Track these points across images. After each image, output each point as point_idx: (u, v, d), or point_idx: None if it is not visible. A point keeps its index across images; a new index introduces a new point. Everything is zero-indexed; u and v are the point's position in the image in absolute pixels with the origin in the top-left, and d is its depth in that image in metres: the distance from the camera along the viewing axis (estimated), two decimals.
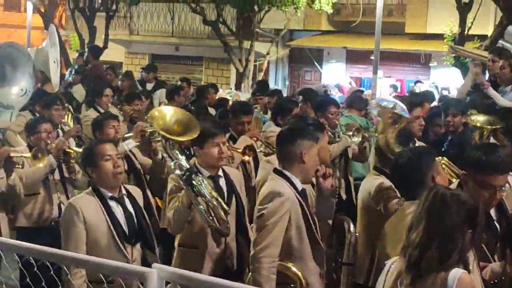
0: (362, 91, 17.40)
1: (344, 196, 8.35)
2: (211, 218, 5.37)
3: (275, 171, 5.11)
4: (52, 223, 7.16)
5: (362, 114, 9.74)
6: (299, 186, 5.04)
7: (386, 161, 5.81)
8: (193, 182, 5.33)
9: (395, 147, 5.74)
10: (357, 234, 5.32)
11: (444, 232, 3.37)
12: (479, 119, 6.79)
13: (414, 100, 8.12)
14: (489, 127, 6.64)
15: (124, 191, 5.41)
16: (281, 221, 4.84)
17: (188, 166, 5.46)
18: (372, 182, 5.76)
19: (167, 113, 5.91)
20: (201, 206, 5.34)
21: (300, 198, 4.98)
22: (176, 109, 6.12)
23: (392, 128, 5.93)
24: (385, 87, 22.59)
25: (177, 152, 5.64)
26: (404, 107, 6.51)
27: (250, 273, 4.95)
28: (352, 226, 5.32)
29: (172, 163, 5.54)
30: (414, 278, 3.39)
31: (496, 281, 4.32)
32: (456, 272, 3.33)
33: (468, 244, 3.43)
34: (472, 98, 8.07)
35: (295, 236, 4.93)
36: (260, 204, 4.92)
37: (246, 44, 23.59)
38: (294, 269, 4.91)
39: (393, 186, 5.43)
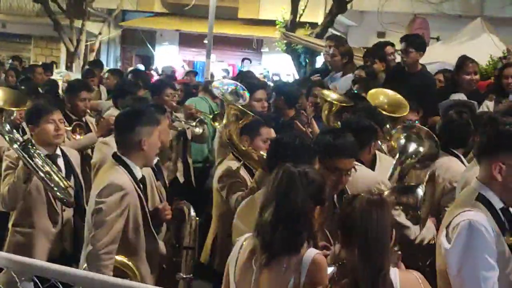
0: (196, 73, 17.47)
1: (181, 179, 8.35)
2: (55, 188, 5.29)
3: (114, 156, 4.94)
4: None
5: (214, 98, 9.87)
6: (139, 174, 4.89)
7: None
8: (31, 153, 5.17)
9: (239, 141, 5.68)
10: (197, 218, 5.27)
11: (293, 210, 3.42)
12: (332, 95, 6.86)
13: (256, 83, 8.21)
14: (338, 103, 6.71)
15: None
16: (121, 217, 4.67)
17: (22, 139, 5.31)
18: (224, 165, 5.79)
19: None
20: (42, 174, 5.22)
21: (138, 189, 4.83)
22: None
23: (235, 124, 5.85)
24: (217, 71, 22.72)
25: (8, 127, 5.46)
26: (244, 88, 6.53)
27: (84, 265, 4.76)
28: (192, 210, 5.26)
29: (7, 138, 5.35)
30: (269, 258, 3.42)
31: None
32: (310, 253, 3.39)
33: (316, 220, 3.50)
34: (308, 85, 8.22)
35: (132, 229, 4.79)
36: (98, 197, 4.69)
37: (77, 23, 22.97)
38: (129, 263, 4.79)
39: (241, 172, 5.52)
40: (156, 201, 5.28)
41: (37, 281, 2.95)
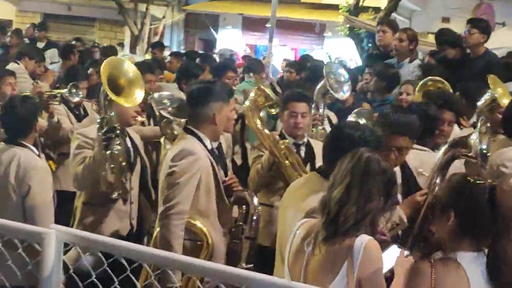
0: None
1: (239, 162, 8.40)
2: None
3: (186, 129, 5.11)
4: None
5: (262, 77, 9.81)
6: (209, 145, 5.08)
7: None
8: (110, 146, 5.29)
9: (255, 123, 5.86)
10: (260, 208, 5.30)
11: (365, 192, 3.44)
12: None
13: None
14: None
15: None
16: (192, 179, 4.87)
17: (115, 125, 5.40)
18: None
19: (123, 65, 5.67)
20: (107, 172, 5.34)
21: (211, 157, 4.99)
22: (134, 68, 5.77)
23: (260, 106, 6.05)
24: (279, 55, 22.69)
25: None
26: (350, 82, 6.61)
27: (158, 229, 4.93)
28: (255, 200, 5.31)
29: (99, 118, 5.43)
30: (329, 236, 3.43)
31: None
32: (363, 238, 3.38)
33: (380, 211, 3.50)
34: (377, 69, 8.15)
35: (203, 195, 4.97)
36: (172, 161, 4.91)
37: (142, 6, 23.20)
38: (201, 226, 4.96)
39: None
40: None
41: (101, 256, 3.01)
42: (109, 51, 12.51)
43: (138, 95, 5.56)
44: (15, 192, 5.11)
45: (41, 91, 6.98)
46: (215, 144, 5.45)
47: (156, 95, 6.55)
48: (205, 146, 5.03)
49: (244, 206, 5.34)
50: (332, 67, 6.88)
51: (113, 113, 5.46)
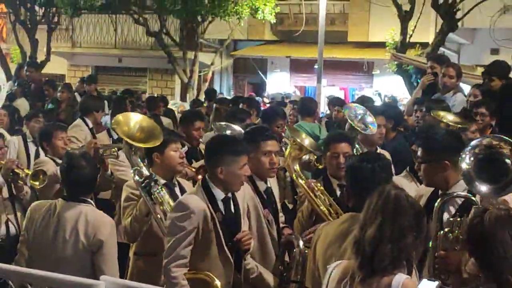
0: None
1: (290, 206, 8.37)
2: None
3: (202, 180, 5.18)
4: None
5: (314, 119, 9.72)
6: (220, 196, 5.07)
7: None
8: (152, 190, 5.35)
9: (298, 177, 5.85)
10: (306, 251, 5.27)
11: (398, 230, 3.44)
12: (448, 117, 6.71)
13: (377, 108, 8.20)
14: (457, 125, 6.58)
15: None
16: (187, 234, 4.87)
17: (148, 174, 5.45)
18: None
19: (132, 119, 5.88)
20: (158, 215, 5.38)
21: (212, 210, 4.97)
22: (141, 116, 6.07)
23: (297, 157, 6.06)
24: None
25: (139, 159, 5.61)
26: (373, 118, 6.60)
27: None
28: (301, 243, 5.28)
29: (132, 170, 5.52)
30: (366, 276, 3.42)
31: None
32: (400, 278, 3.37)
33: (413, 246, 3.50)
34: (427, 105, 8.09)
35: (201, 247, 4.95)
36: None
37: (190, 54, 23.49)
38: (203, 273, 4.96)
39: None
40: (263, 226, 5.38)
41: None
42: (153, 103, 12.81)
43: (160, 136, 5.69)
44: (84, 248, 5.06)
45: (97, 146, 7.02)
46: (262, 187, 5.51)
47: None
48: (214, 198, 5.01)
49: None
50: (351, 109, 6.83)
51: (142, 164, 5.61)
